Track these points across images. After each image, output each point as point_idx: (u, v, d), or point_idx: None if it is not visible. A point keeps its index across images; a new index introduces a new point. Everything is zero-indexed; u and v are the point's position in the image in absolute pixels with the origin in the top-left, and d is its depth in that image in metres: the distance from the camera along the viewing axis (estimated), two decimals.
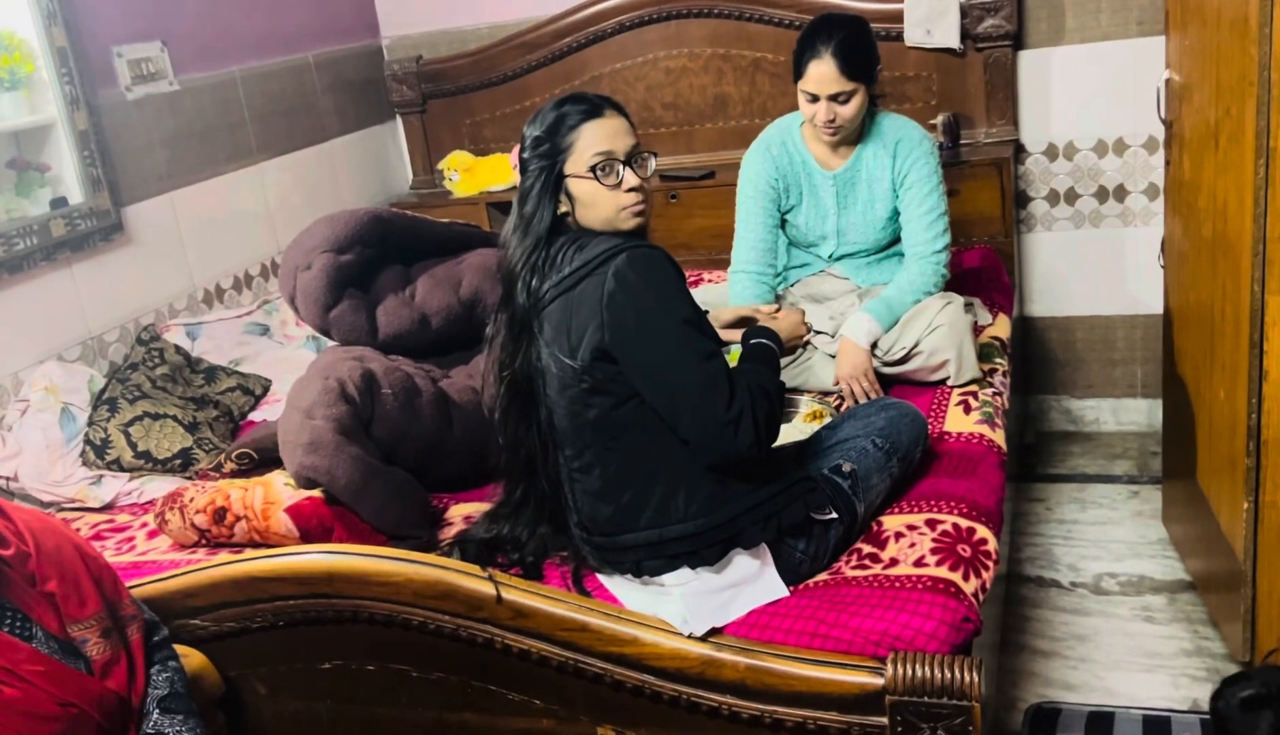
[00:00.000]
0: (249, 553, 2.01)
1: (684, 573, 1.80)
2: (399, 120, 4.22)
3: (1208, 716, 1.93)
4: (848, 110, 2.56)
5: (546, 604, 1.80)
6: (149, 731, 1.66)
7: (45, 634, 1.59)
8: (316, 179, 3.82)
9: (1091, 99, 3.45)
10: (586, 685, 1.81)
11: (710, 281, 3.36)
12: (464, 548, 1.98)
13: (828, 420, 2.33)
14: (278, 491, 2.14)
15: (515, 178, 3.85)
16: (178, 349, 2.98)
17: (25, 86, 2.78)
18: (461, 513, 2.27)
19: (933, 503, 2.03)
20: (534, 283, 1.85)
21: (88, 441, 2.57)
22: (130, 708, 1.65)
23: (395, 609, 1.85)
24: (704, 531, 1.78)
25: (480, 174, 3.96)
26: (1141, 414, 3.70)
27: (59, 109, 2.81)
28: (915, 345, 2.52)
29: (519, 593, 1.80)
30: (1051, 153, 3.54)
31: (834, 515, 1.89)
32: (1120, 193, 3.51)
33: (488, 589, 1.81)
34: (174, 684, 1.73)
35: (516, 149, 3.85)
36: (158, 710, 1.68)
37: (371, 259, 2.63)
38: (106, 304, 2.95)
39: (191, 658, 1.91)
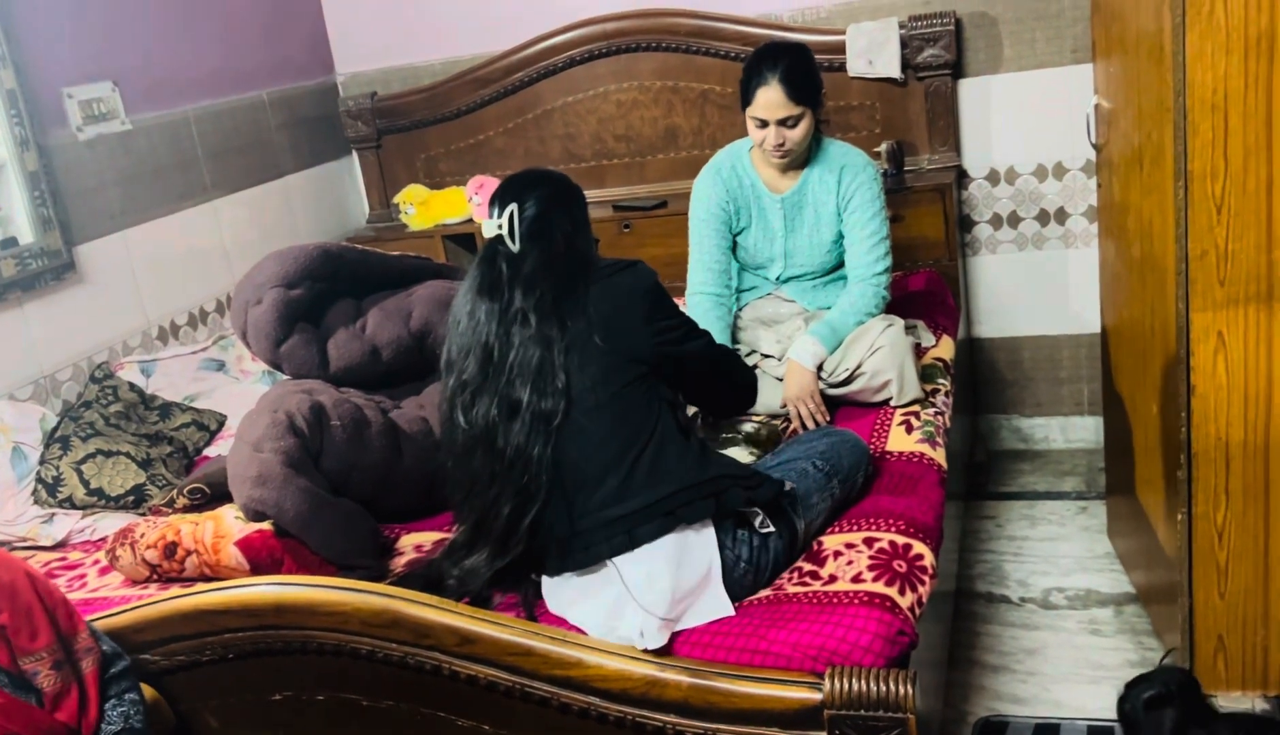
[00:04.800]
0: (198, 586, 2.01)
1: (667, 542, 1.85)
2: (354, 155, 4.26)
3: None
4: (796, 134, 2.62)
5: (493, 629, 1.82)
6: None
7: None
8: (272, 215, 3.84)
9: (1031, 125, 3.54)
10: (534, 709, 1.83)
11: None
12: (409, 581, 1.99)
13: (770, 448, 2.40)
14: (228, 525, 2.16)
15: (470, 210, 3.92)
16: (131, 386, 2.99)
17: None
18: (412, 542, 2.29)
19: (872, 520, 2.08)
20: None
21: (39, 480, 2.57)
22: None
23: (343, 638, 1.87)
24: (689, 487, 1.88)
25: (435, 207, 4.00)
26: (1089, 431, 3.78)
27: (8, 150, 2.83)
28: (858, 367, 2.57)
29: (465, 619, 1.83)
30: (993, 178, 3.63)
31: (771, 529, 1.93)
32: (1061, 215, 3.60)
33: (434, 616, 1.83)
34: (129, 719, 1.74)
35: (471, 183, 3.93)
36: None
37: (322, 293, 2.66)
38: (59, 343, 2.95)
39: (145, 691, 1.91)
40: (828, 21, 3.64)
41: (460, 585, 1.96)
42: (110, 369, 3.03)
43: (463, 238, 3.95)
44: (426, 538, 2.30)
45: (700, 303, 2.78)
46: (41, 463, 2.60)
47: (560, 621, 1.92)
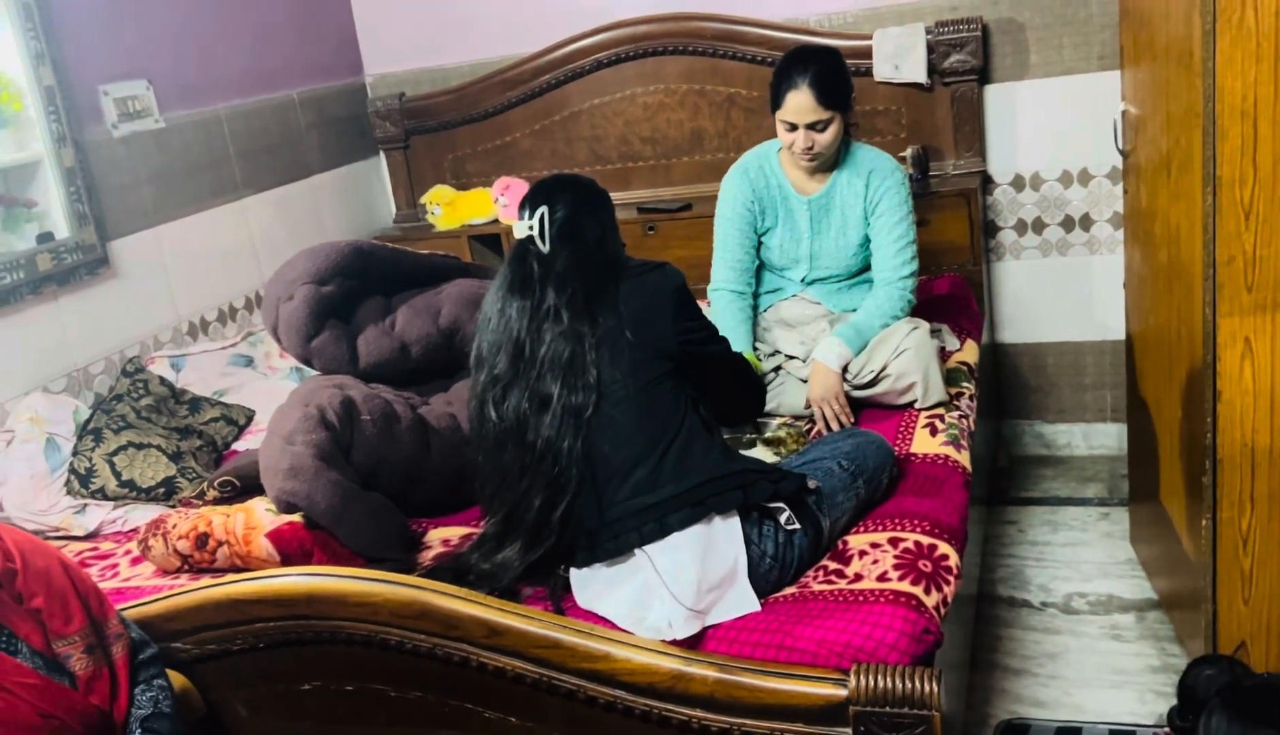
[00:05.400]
0: (230, 576, 2.05)
1: (695, 533, 1.87)
2: (382, 156, 4.30)
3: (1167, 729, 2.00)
4: (825, 137, 2.64)
5: (521, 622, 1.84)
6: None
7: (30, 649, 1.64)
8: (301, 214, 3.88)
9: (1056, 131, 3.55)
10: (561, 701, 1.85)
11: None
12: (438, 574, 2.02)
13: (794, 449, 2.41)
14: (259, 517, 2.19)
15: (496, 211, 3.95)
16: (162, 380, 3.03)
17: (12, 124, 2.84)
18: (440, 536, 2.32)
19: (897, 521, 2.09)
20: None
21: (72, 471, 2.61)
22: (113, 723, 1.69)
23: (373, 629, 1.89)
24: (717, 478, 1.91)
25: (462, 208, 4.03)
26: (1111, 438, 3.77)
27: (46, 146, 2.87)
28: (883, 368, 2.59)
29: (493, 611, 1.85)
30: (1018, 183, 3.63)
31: (797, 526, 1.95)
32: (1086, 222, 3.60)
33: (463, 608, 1.85)
34: (158, 703, 1.77)
35: (497, 184, 3.96)
36: (140, 729, 1.72)
37: (352, 290, 2.69)
38: (92, 336, 2.99)
39: (173, 680, 1.94)
40: (854, 26, 3.66)
41: (490, 578, 1.99)
42: (141, 363, 3.07)
43: (488, 238, 3.98)
44: (454, 532, 2.33)
45: (722, 298, 2.81)
46: (74, 454, 2.63)
47: (588, 615, 1.94)
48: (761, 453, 2.39)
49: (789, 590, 1.95)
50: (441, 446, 2.39)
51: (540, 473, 1.95)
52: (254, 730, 2.06)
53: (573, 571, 2.00)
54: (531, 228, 2.05)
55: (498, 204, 3.95)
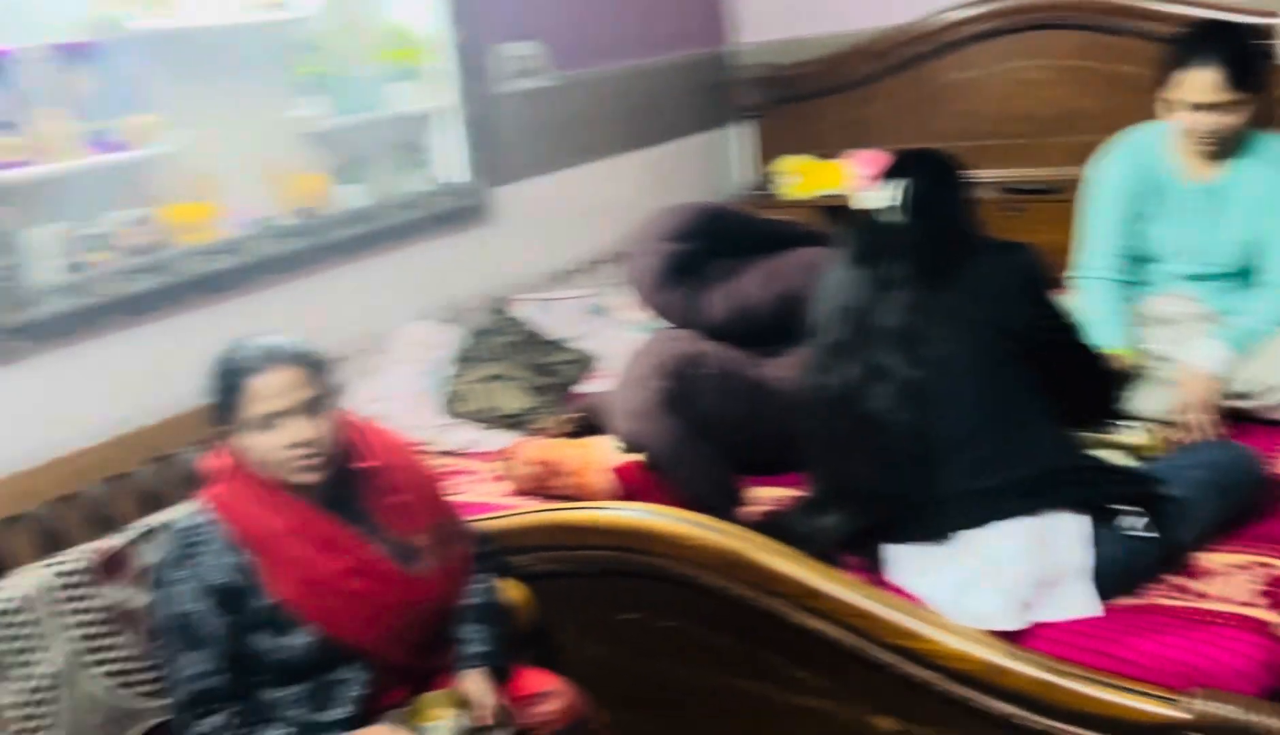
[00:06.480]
0: (569, 504, 2.20)
1: (1030, 524, 1.80)
2: (741, 124, 4.38)
3: None
4: (1230, 121, 2.44)
5: (836, 587, 1.85)
6: (457, 636, 1.88)
7: (389, 539, 1.84)
8: (662, 175, 4.04)
9: None
10: (869, 673, 1.84)
11: None
12: (761, 529, 2.06)
13: (1153, 453, 2.24)
14: (602, 453, 2.33)
15: (850, 183, 3.92)
16: (526, 322, 3.28)
17: (422, 77, 3.16)
18: (766, 494, 2.36)
19: (1264, 545, 1.90)
20: None
21: (446, 393, 2.89)
22: (450, 613, 1.89)
23: (693, 572, 1.97)
24: (1060, 470, 1.85)
25: (815, 178, 4.04)
26: None
27: (447, 97, 3.18)
28: (1267, 381, 2.34)
29: (810, 573, 1.87)
30: None
31: (1150, 533, 1.82)
32: None
33: (780, 565, 1.88)
34: (484, 595, 1.96)
35: (854, 156, 3.93)
36: (467, 619, 1.90)
37: (706, 250, 2.77)
38: (470, 274, 3.29)
39: (511, 590, 2.12)
40: (1258, 1, 3.28)
41: (809, 541, 2.00)
42: (509, 303, 3.34)
43: (839, 210, 3.96)
44: (780, 493, 2.36)
45: (1092, 286, 2.64)
46: (449, 378, 2.92)
47: (905, 592, 1.91)
48: (1115, 453, 2.23)
49: (1128, 599, 1.82)
50: (777, 408, 2.42)
51: (869, 443, 1.94)
52: (576, 651, 2.20)
53: (894, 546, 1.98)
54: (884, 199, 2.04)
55: (853, 176, 3.92)
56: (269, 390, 1.71)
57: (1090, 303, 2.62)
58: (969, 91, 3.82)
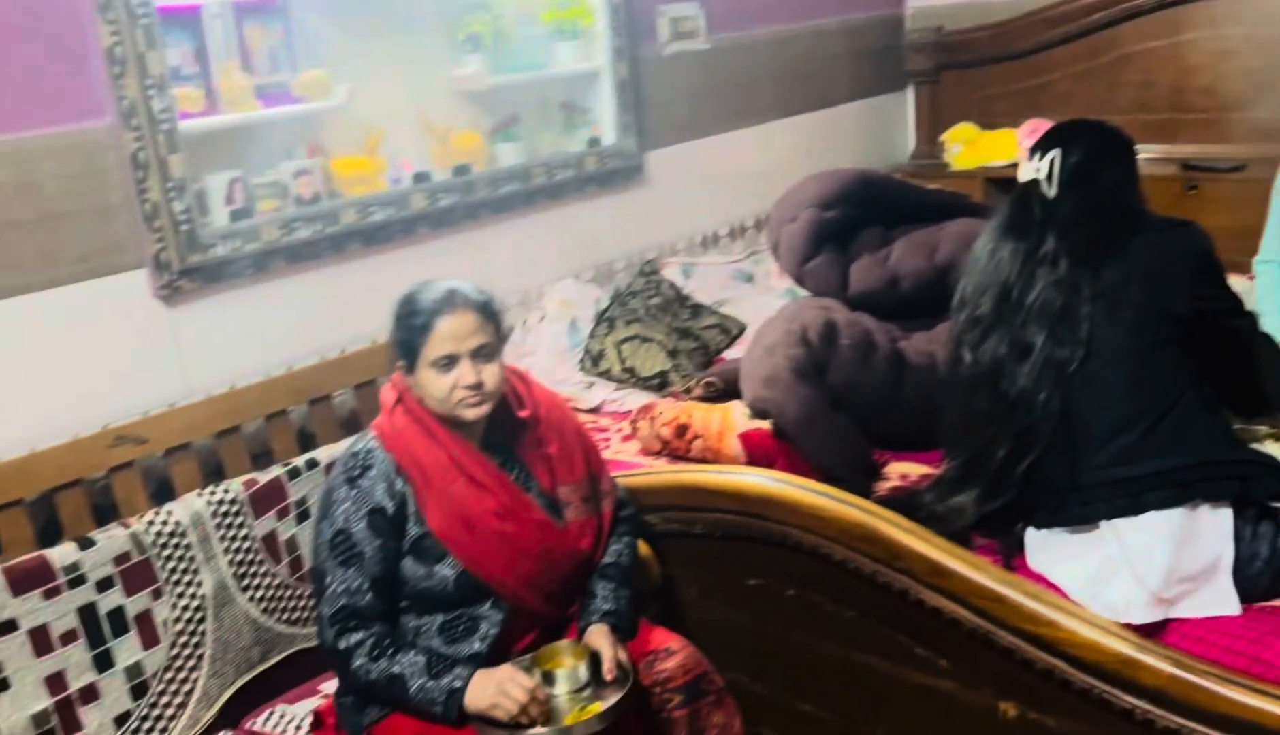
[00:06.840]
0: (699, 466, 2.21)
1: (1175, 516, 1.73)
2: (909, 90, 4.27)
3: None
4: None
5: (966, 567, 1.81)
6: (591, 590, 1.92)
7: (539, 489, 1.90)
8: (822, 141, 3.98)
9: None
10: (995, 657, 1.80)
11: None
12: (891, 504, 2.02)
13: None
14: (734, 418, 2.33)
15: (1019, 154, 3.77)
16: (671, 284, 3.29)
17: (582, 37, 3.20)
18: (899, 470, 2.31)
19: None
20: None
21: (586, 351, 2.94)
22: (591, 565, 1.93)
23: (819, 542, 1.96)
24: (1211, 463, 1.76)
25: (982, 148, 3.91)
26: None
27: (606, 60, 3.20)
28: None
29: (940, 551, 1.83)
30: None
31: None
32: None
33: (910, 541, 1.85)
34: (620, 556, 1.98)
35: (1025, 126, 3.78)
36: (603, 575, 1.94)
37: (854, 218, 2.72)
38: (619, 235, 3.32)
39: (640, 547, 2.15)
40: None
41: (941, 520, 1.95)
42: (657, 265, 3.35)
43: (1006, 182, 3.81)
44: (914, 469, 2.31)
45: (1273, 273, 2.47)
46: (590, 337, 2.96)
47: (1038, 578, 1.85)
48: (1277, 449, 2.10)
49: (1276, 601, 1.72)
50: (915, 382, 2.37)
51: (1010, 422, 1.88)
52: (699, 611, 2.22)
53: (1030, 530, 1.91)
54: (1039, 170, 1.96)
55: (1022, 147, 3.77)
56: (452, 331, 1.78)
57: (1268, 291, 2.46)
58: (1150, 61, 3.62)
